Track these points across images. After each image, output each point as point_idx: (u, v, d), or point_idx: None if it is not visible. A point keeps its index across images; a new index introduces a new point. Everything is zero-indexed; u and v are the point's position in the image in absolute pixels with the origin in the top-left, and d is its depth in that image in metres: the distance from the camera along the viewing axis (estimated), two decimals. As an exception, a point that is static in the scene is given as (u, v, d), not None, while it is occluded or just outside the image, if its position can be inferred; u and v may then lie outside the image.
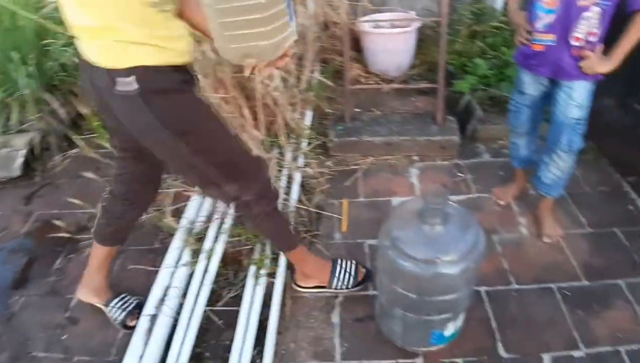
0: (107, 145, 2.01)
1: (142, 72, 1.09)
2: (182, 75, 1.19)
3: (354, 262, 1.80)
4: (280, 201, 1.61)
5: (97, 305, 1.74)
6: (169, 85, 1.15)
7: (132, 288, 1.86)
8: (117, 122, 1.24)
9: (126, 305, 1.73)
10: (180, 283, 1.81)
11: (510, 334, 1.66)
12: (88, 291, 1.75)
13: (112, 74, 1.09)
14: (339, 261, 1.80)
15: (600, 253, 1.96)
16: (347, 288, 1.77)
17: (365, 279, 1.77)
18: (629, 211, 2.17)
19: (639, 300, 1.75)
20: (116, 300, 1.74)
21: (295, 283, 1.81)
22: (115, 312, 1.71)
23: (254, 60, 1.04)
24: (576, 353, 1.59)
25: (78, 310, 1.81)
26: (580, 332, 1.65)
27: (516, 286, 1.83)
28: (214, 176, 1.34)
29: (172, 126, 1.18)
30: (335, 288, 1.78)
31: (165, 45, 1.10)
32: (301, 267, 1.77)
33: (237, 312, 1.69)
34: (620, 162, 2.43)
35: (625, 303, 1.75)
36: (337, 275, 1.77)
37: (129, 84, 1.09)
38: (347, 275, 1.77)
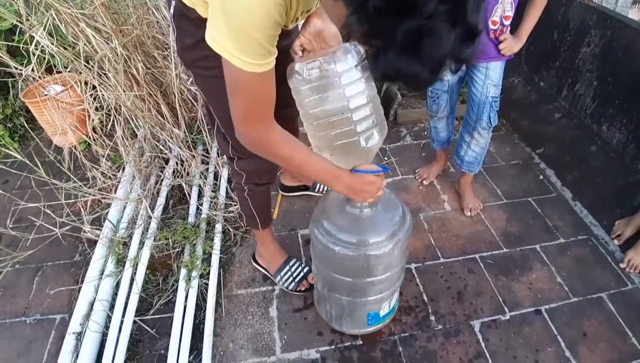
0: (15, 154, 1.82)
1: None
2: None
3: (305, 269, 1.78)
4: (269, 186, 1.61)
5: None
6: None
7: (56, 307, 1.73)
8: None
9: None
10: (106, 295, 1.71)
11: (442, 306, 1.73)
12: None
13: None
14: (292, 262, 1.79)
15: (517, 221, 2.09)
16: (286, 288, 1.77)
17: (307, 290, 1.76)
18: (539, 181, 2.33)
19: (553, 261, 1.90)
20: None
21: (253, 256, 1.88)
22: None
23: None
24: (503, 317, 1.69)
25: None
26: (505, 296, 1.76)
27: (443, 260, 1.92)
28: (215, 119, 1.37)
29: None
30: (277, 283, 1.79)
31: None
32: (259, 247, 1.84)
33: (170, 319, 1.63)
34: (529, 136, 2.60)
35: (542, 266, 1.88)
36: (282, 273, 1.77)
37: None
38: (290, 278, 1.76)
